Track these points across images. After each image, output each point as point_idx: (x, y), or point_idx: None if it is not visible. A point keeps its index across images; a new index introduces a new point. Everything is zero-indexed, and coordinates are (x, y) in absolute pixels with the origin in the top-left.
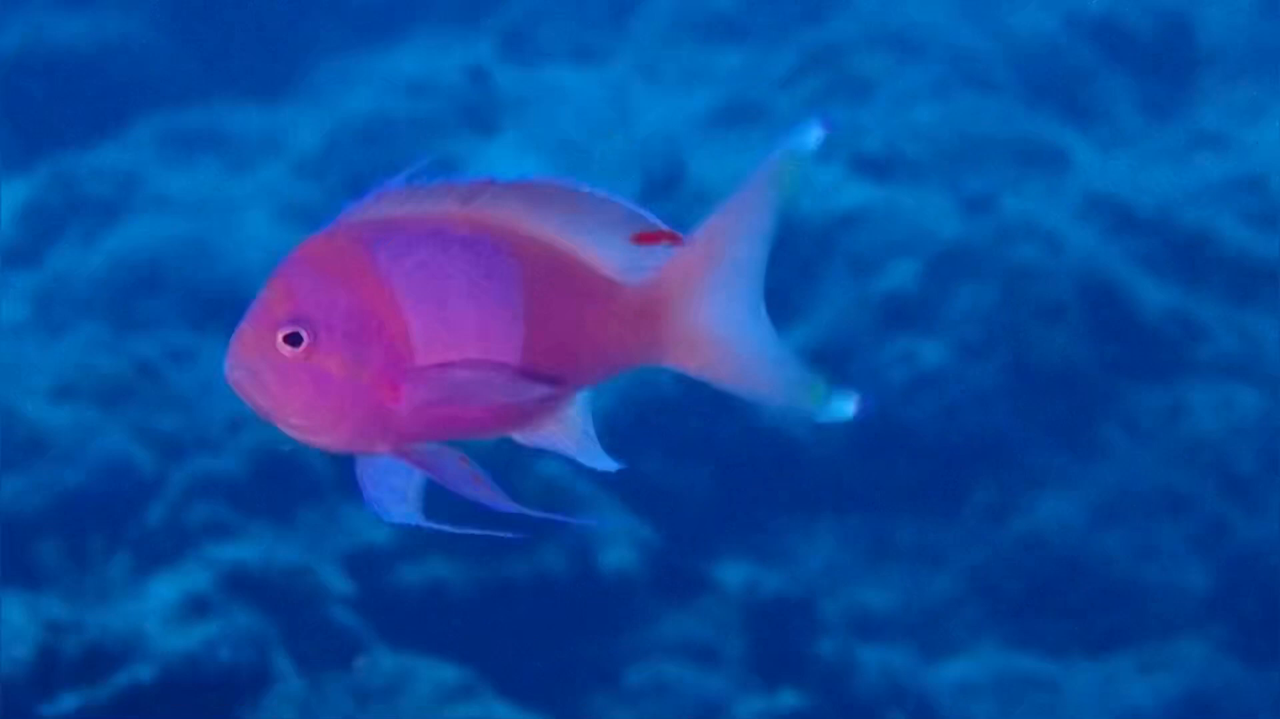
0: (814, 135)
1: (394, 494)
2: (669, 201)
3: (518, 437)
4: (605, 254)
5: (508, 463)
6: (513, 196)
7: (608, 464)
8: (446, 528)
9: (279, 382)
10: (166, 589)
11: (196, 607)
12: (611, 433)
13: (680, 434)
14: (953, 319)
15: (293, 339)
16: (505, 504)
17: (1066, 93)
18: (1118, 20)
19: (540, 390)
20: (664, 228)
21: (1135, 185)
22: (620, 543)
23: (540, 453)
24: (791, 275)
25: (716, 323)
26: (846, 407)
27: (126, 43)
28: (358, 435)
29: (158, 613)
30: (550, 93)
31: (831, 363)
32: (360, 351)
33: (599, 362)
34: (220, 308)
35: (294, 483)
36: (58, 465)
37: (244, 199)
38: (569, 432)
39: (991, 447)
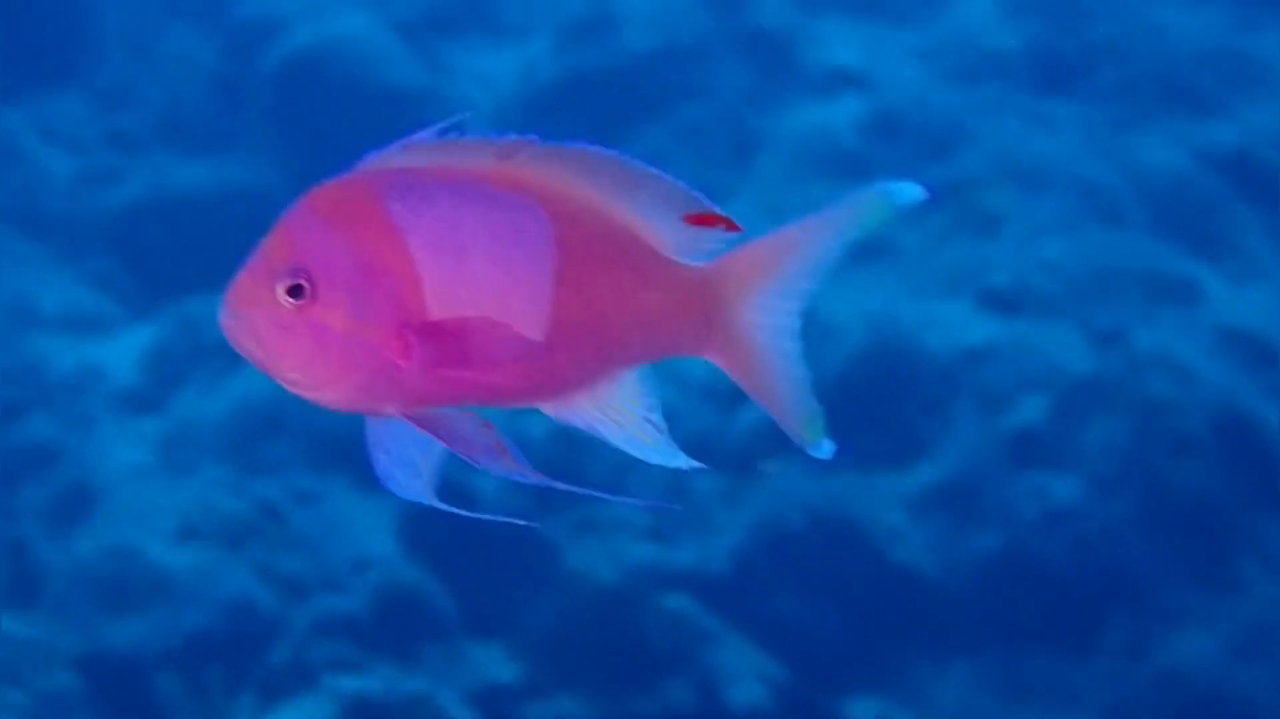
0: (913, 191)
1: (408, 468)
2: None
3: (549, 412)
4: (655, 229)
5: (634, 603)
6: (556, 159)
7: (671, 459)
8: (461, 512)
9: (275, 334)
10: None
11: None
12: (743, 569)
13: (809, 569)
14: (1085, 454)
15: (292, 290)
16: (529, 475)
17: (1196, 226)
18: (1248, 154)
19: (561, 358)
20: (719, 211)
21: (1268, 318)
22: (749, 679)
23: (665, 586)
24: (920, 412)
25: (762, 328)
26: (828, 451)
27: (247, 188)
28: (362, 394)
29: None
30: None
31: (962, 499)
32: (364, 305)
33: (641, 338)
34: (343, 450)
35: (418, 623)
36: (181, 607)
37: None
38: (612, 415)
39: (1126, 582)
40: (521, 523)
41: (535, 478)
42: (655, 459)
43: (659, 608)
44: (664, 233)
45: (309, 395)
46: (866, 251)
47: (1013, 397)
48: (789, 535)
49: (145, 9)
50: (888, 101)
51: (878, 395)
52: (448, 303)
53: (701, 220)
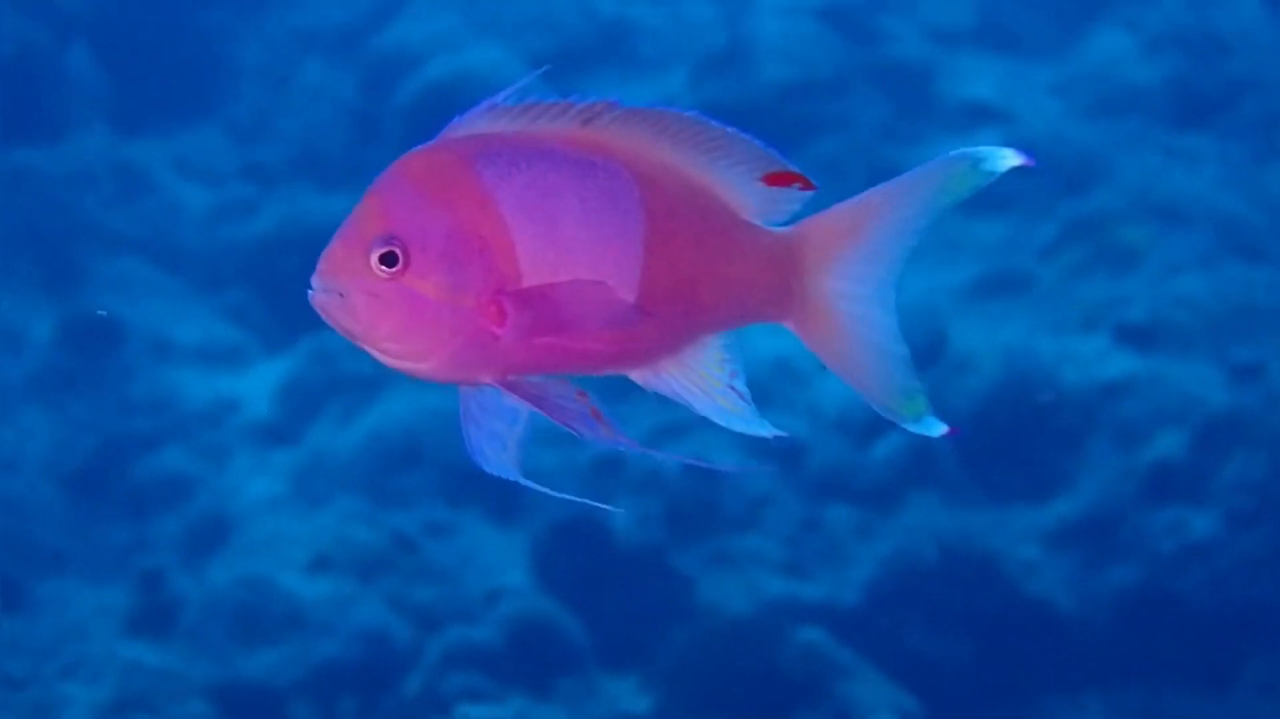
0: (1006, 157)
1: (495, 441)
2: (932, 370)
3: (636, 378)
4: (734, 191)
5: (767, 635)
6: (639, 122)
7: (755, 427)
8: (546, 490)
9: (369, 304)
10: None
11: None
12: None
13: (943, 602)
14: (1222, 488)
15: (386, 259)
16: (627, 443)
17: None
18: None
19: (652, 323)
20: (794, 169)
21: None
22: (882, 712)
23: (798, 619)
24: (1057, 446)
25: (846, 296)
26: (936, 428)
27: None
28: (458, 363)
29: None
30: None
31: (1098, 533)
32: (459, 273)
33: (723, 302)
34: (477, 481)
35: (551, 654)
36: (314, 637)
37: None
38: (696, 382)
39: (1264, 617)
40: (607, 508)
41: (631, 445)
42: (739, 427)
43: (792, 640)
44: (742, 194)
45: (405, 367)
46: (1003, 285)
47: (1150, 431)
48: (923, 568)
49: (282, 43)
50: (1025, 136)
51: (1014, 429)
52: (541, 269)
53: (778, 179)
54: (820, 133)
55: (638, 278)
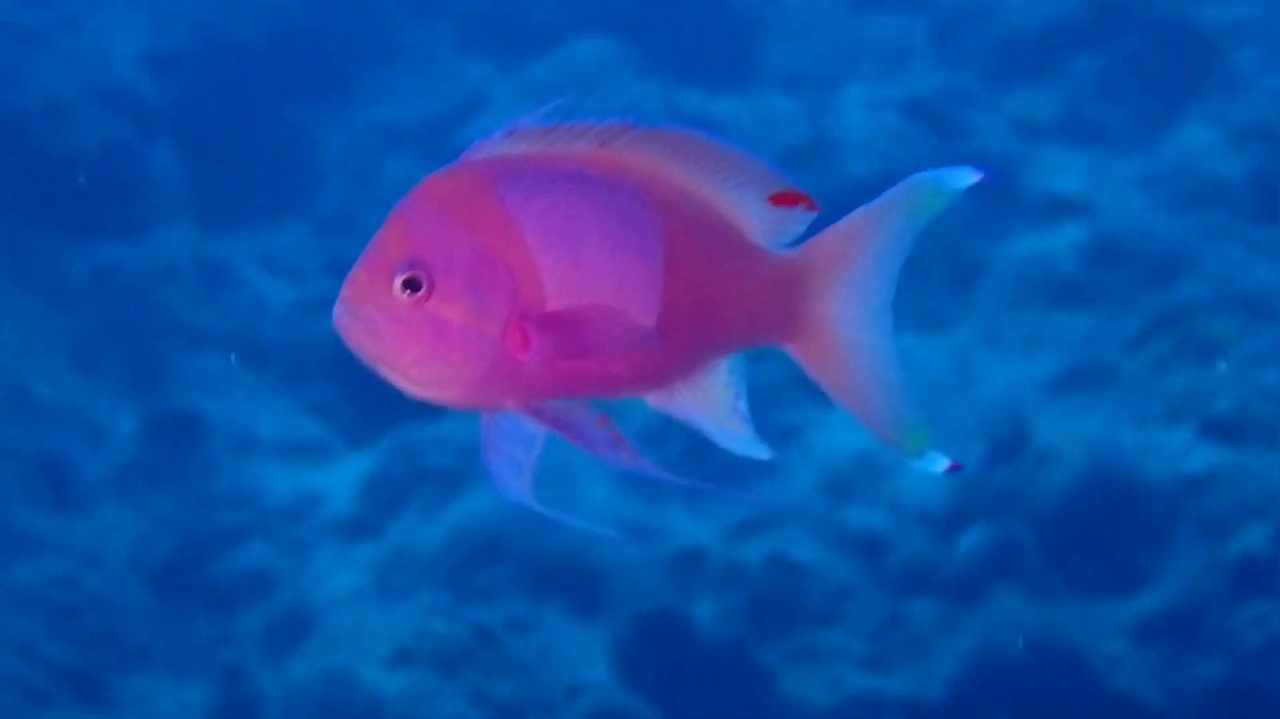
0: (964, 176)
1: (513, 466)
2: (1016, 463)
3: (652, 402)
4: (743, 211)
5: None
6: (654, 143)
7: (756, 450)
8: (554, 514)
9: (393, 329)
10: None
11: None
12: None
13: (1028, 697)
14: None
15: (410, 284)
16: (648, 468)
17: None
18: None
19: (671, 346)
20: (800, 190)
21: None
22: None
23: (882, 714)
24: (1141, 540)
25: (847, 321)
26: (938, 465)
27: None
28: (482, 389)
29: None
30: None
31: (1184, 627)
32: (483, 297)
33: (732, 326)
34: (559, 576)
35: None
36: None
37: (584, 470)
38: (708, 406)
39: None
40: (611, 533)
41: (653, 470)
42: (741, 450)
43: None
44: (751, 215)
45: (429, 394)
46: (1087, 377)
47: (1235, 524)
48: (1008, 663)
49: (366, 138)
50: (1109, 229)
51: (1098, 522)
52: (564, 292)
53: (784, 200)
54: None
55: (658, 300)
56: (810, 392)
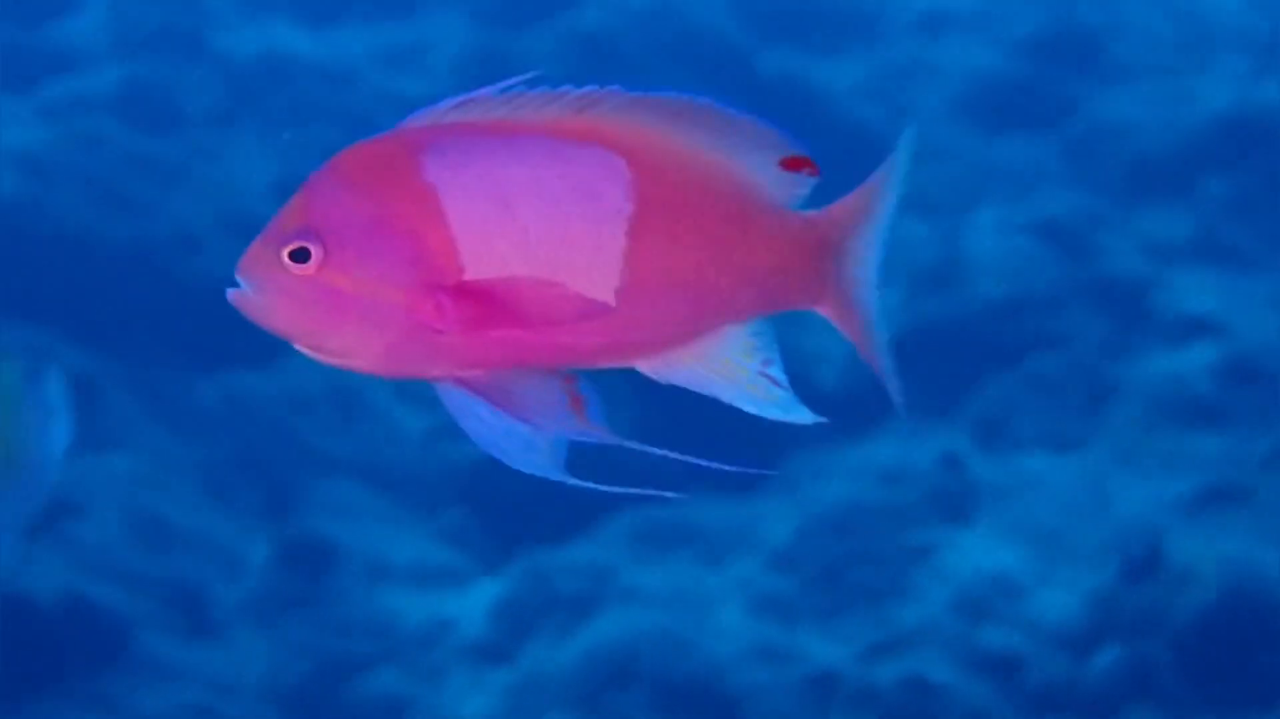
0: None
1: (513, 439)
2: (1152, 583)
3: (646, 370)
4: (755, 178)
5: None
6: (646, 109)
7: (794, 414)
8: (590, 485)
9: (286, 301)
10: None
11: None
12: None
13: None
14: None
15: (298, 254)
16: (600, 435)
17: None
18: None
19: (645, 314)
20: (806, 154)
21: None
22: None
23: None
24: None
25: (864, 283)
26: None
27: (601, 447)
28: (398, 359)
29: None
30: (1026, 481)
31: None
32: (380, 266)
33: (748, 292)
34: (694, 701)
35: None
36: None
37: (717, 592)
38: (719, 371)
39: None
40: (669, 495)
41: (607, 437)
42: (773, 414)
43: None
44: (763, 181)
45: (341, 363)
46: (1219, 499)
47: None
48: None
49: None
50: (1243, 348)
51: (1236, 642)
52: (489, 262)
53: (794, 164)
54: (1038, 350)
55: (618, 268)
56: (941, 511)
